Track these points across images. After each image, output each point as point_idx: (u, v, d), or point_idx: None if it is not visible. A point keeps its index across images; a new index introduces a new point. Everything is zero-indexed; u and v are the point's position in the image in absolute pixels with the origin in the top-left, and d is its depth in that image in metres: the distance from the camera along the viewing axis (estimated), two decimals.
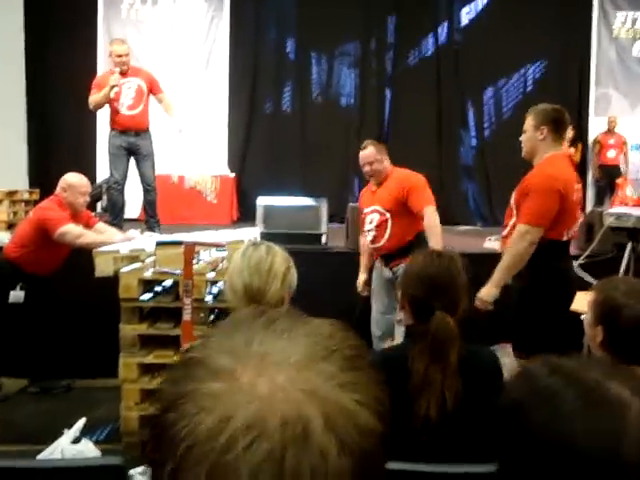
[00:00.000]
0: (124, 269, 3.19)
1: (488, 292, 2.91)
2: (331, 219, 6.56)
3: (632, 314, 1.59)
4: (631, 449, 0.62)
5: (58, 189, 4.01)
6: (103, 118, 7.79)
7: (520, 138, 3.11)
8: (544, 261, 2.85)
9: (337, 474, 0.43)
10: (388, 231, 3.71)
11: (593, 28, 8.97)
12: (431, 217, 3.63)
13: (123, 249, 3.28)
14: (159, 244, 3.07)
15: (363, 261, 4.08)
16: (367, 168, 3.85)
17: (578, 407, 0.65)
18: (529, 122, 3.03)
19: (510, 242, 2.91)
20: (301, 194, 6.59)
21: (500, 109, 8.94)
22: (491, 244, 5.04)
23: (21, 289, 3.90)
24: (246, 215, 7.58)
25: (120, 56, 5.21)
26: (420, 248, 3.89)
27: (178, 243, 2.95)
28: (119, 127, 5.30)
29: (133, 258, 3.30)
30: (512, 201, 3.03)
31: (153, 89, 5.44)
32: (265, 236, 4.07)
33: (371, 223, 3.80)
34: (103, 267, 3.15)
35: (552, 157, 2.92)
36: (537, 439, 0.66)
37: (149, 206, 5.53)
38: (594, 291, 1.75)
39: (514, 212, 2.96)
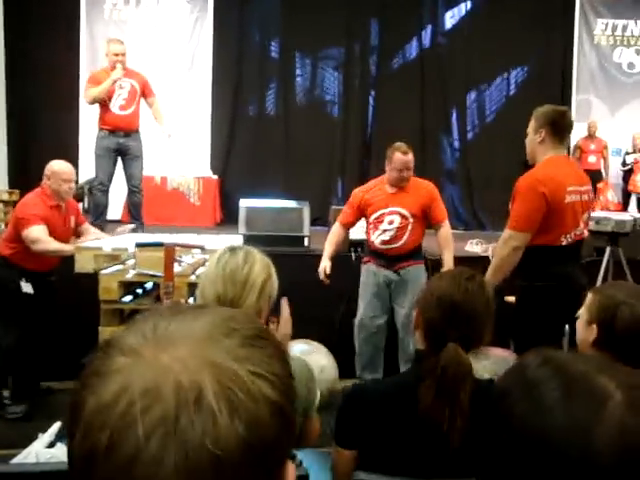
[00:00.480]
0: (105, 271, 3.15)
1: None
2: (314, 222, 6.56)
3: (628, 312, 1.61)
4: (603, 441, 0.61)
5: (43, 177, 3.91)
6: (85, 117, 7.76)
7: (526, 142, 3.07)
8: (537, 266, 2.82)
9: (228, 437, 0.47)
10: (407, 234, 3.87)
11: (575, 34, 9.09)
12: (449, 230, 4.05)
13: (106, 247, 3.24)
14: (139, 245, 3.04)
15: (329, 249, 4.02)
16: (405, 173, 3.87)
17: (558, 398, 0.65)
18: (530, 124, 2.98)
19: (496, 247, 2.96)
20: (284, 197, 6.58)
21: (483, 113, 9.01)
22: (473, 248, 5.07)
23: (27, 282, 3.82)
24: (229, 217, 7.55)
25: (117, 55, 5.21)
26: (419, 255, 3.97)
27: (158, 245, 2.93)
28: (109, 127, 5.26)
29: (114, 257, 3.27)
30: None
31: (146, 92, 5.45)
32: (248, 238, 4.05)
33: (391, 224, 3.87)
34: (83, 263, 3.11)
35: (548, 160, 2.86)
36: (516, 430, 0.66)
37: (134, 208, 5.48)
38: (592, 292, 1.77)
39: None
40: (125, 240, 3.53)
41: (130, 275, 3.14)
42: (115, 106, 5.24)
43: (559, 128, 2.89)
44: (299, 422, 1.46)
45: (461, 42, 8.81)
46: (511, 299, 3.27)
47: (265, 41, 8.65)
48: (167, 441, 0.45)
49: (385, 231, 3.89)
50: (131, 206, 5.51)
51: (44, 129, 7.99)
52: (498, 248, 2.93)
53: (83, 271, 3.14)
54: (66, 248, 3.68)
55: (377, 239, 3.91)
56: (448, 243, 3.96)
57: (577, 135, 8.92)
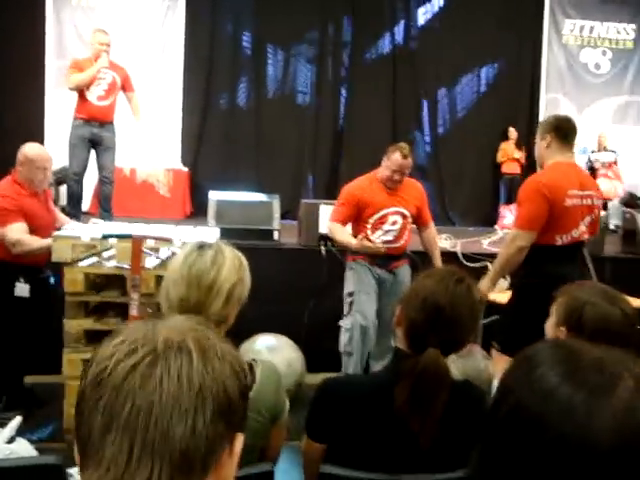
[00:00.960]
0: (82, 262, 3.08)
1: (484, 284, 3.13)
2: (285, 216, 6.55)
3: (593, 311, 1.65)
4: (607, 425, 0.59)
5: (17, 163, 3.57)
6: (52, 105, 7.62)
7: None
8: (531, 265, 2.96)
9: (200, 379, 0.61)
10: (406, 234, 3.90)
11: (544, 34, 9.22)
12: (434, 230, 4.12)
13: (84, 236, 3.16)
14: (106, 236, 3.00)
15: (348, 234, 3.84)
16: (397, 176, 3.80)
17: (567, 386, 0.62)
18: (537, 135, 3.13)
19: (502, 247, 3.17)
20: (255, 190, 6.55)
21: (454, 110, 9.09)
22: (442, 243, 5.12)
23: (25, 282, 3.52)
24: (199, 210, 7.49)
25: (102, 44, 5.25)
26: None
27: (126, 236, 2.89)
28: (85, 116, 5.24)
29: (92, 247, 3.21)
30: None
31: (126, 86, 5.46)
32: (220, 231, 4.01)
33: (395, 225, 3.82)
34: (61, 253, 3.04)
35: (552, 164, 3.01)
36: (529, 422, 0.62)
37: (105, 199, 5.43)
38: (559, 294, 1.80)
39: None
40: (94, 231, 3.47)
41: (95, 267, 3.10)
42: (93, 96, 5.24)
43: (564, 132, 3.04)
44: (267, 428, 1.44)
45: (433, 38, 8.86)
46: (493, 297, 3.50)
47: (237, 33, 8.57)
48: (153, 369, 0.61)
49: (388, 231, 3.82)
50: (102, 197, 5.45)
51: (8, 119, 7.80)
52: (504, 247, 3.09)
53: (60, 260, 3.07)
54: (50, 243, 3.34)
55: (378, 239, 3.76)
56: (437, 243, 4.13)
57: None
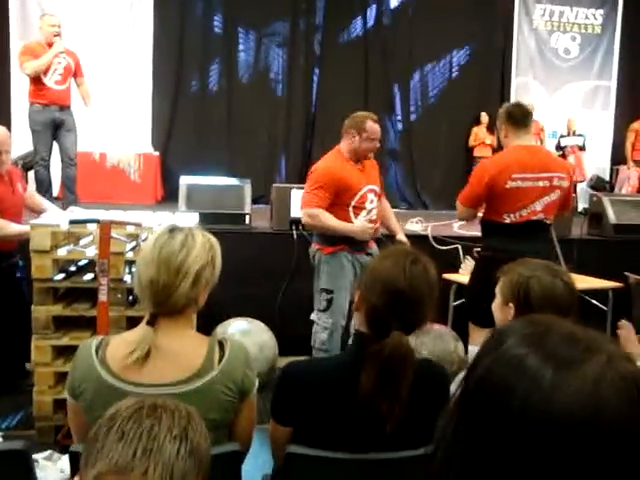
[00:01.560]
0: (60, 250, 3.03)
1: None
2: (257, 200, 6.53)
3: (538, 284, 1.70)
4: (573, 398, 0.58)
5: None
6: (18, 90, 7.44)
7: None
8: (486, 239, 3.34)
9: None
10: (378, 211, 3.65)
11: (515, 19, 9.28)
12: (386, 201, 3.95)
13: (63, 224, 3.11)
14: (73, 222, 2.96)
15: (340, 222, 3.47)
16: (377, 143, 3.56)
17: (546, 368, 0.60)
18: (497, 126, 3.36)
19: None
20: (227, 174, 6.51)
21: (426, 94, 9.12)
22: (413, 226, 5.16)
23: None
24: (171, 195, 7.42)
25: (54, 26, 5.27)
26: None
27: (94, 221, 2.86)
28: (44, 100, 5.26)
29: (72, 235, 3.16)
30: None
31: (77, 72, 5.51)
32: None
33: (372, 203, 3.55)
34: (39, 241, 2.99)
35: (508, 149, 3.24)
36: (513, 408, 0.60)
37: (69, 181, 5.46)
38: (502, 274, 1.84)
39: None
40: (61, 217, 3.41)
41: (63, 252, 3.06)
42: (51, 80, 5.26)
43: (515, 119, 3.19)
44: (235, 403, 1.47)
45: (405, 22, 8.86)
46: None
47: (208, 15, 8.46)
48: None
49: (370, 211, 3.54)
50: (67, 180, 5.46)
51: None
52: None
53: (39, 249, 3.02)
54: (27, 229, 3.24)
55: (364, 220, 3.50)
56: (392, 213, 3.91)
57: None
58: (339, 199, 3.42)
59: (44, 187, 5.35)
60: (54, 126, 5.31)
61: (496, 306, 1.83)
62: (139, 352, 1.39)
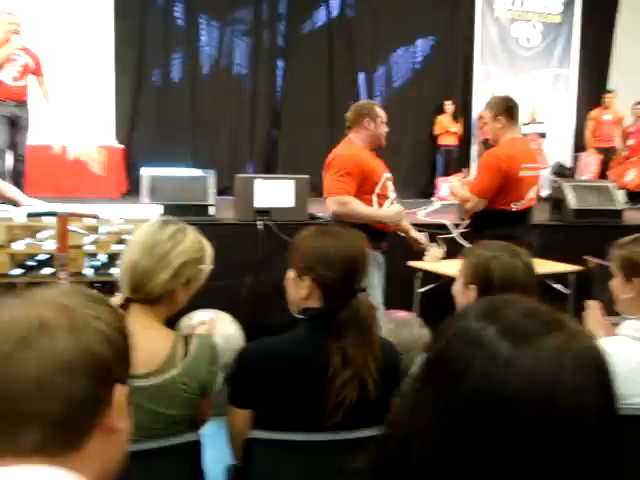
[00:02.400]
0: (15, 244, 2.96)
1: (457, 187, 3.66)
2: (223, 191, 6.48)
3: (499, 264, 1.72)
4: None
5: None
6: None
7: (485, 129, 3.73)
8: (494, 227, 3.26)
9: (65, 349, 0.67)
10: None
11: (477, 8, 9.35)
12: None
13: (18, 218, 3.03)
14: (31, 215, 2.89)
15: (370, 207, 3.27)
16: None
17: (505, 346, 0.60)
18: (487, 114, 3.46)
19: (462, 194, 3.49)
20: (193, 166, 6.44)
21: (390, 82, 9.15)
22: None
23: None
24: (136, 188, 7.28)
25: (12, 24, 5.39)
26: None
27: (52, 214, 2.80)
28: (1, 96, 5.38)
29: (29, 228, 3.09)
30: None
31: (37, 71, 5.63)
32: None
33: (393, 191, 3.40)
34: None
35: (509, 140, 3.39)
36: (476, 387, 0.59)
37: (18, 177, 5.57)
38: (463, 256, 1.86)
39: None
40: (17, 211, 3.33)
41: (21, 247, 2.99)
42: (8, 77, 5.39)
43: (512, 112, 3.41)
44: (196, 401, 1.46)
45: (368, 11, 8.85)
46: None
47: (169, 4, 8.33)
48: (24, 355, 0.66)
49: (393, 200, 3.36)
50: (17, 175, 5.58)
51: None
52: (461, 195, 3.51)
53: None
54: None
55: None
56: None
57: (480, 105, 9.26)
58: (363, 187, 3.19)
59: None
60: (11, 121, 5.44)
61: (457, 289, 1.84)
62: None
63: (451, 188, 3.89)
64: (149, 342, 1.43)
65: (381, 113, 3.49)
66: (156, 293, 1.44)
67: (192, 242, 1.52)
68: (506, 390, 0.57)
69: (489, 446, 0.57)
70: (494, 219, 3.35)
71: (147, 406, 1.36)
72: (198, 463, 1.39)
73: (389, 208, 3.28)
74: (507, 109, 3.38)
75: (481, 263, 1.75)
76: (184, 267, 1.47)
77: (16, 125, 5.48)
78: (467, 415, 0.58)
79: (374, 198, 3.23)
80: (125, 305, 1.44)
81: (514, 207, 3.36)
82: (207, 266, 1.58)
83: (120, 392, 0.73)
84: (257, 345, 1.58)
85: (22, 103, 5.50)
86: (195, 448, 1.35)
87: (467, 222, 4.72)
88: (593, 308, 1.96)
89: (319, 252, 1.58)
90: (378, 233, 3.20)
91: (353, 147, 3.33)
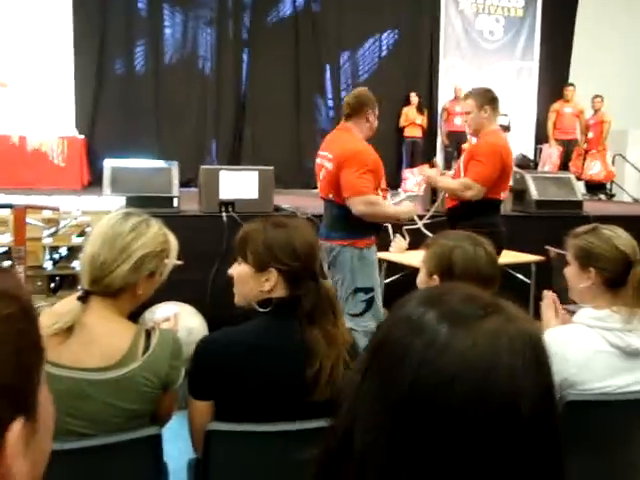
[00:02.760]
0: None
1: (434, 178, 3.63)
2: (188, 183, 6.41)
3: (461, 254, 1.74)
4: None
5: None
6: None
7: (465, 118, 3.61)
8: (487, 216, 3.31)
9: None
10: None
11: (442, 1, 9.42)
12: None
13: None
14: None
15: (394, 207, 3.29)
16: None
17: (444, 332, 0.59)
18: (471, 104, 3.40)
19: (453, 184, 3.41)
20: (157, 158, 6.35)
21: (356, 74, 9.16)
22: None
23: None
24: (98, 179, 7.15)
25: None
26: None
27: (7, 206, 2.73)
28: None
29: None
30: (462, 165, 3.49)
31: None
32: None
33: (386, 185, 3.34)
34: None
35: (496, 131, 3.49)
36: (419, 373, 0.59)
37: None
38: (425, 247, 1.87)
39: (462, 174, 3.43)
40: None
41: None
42: None
43: (496, 103, 3.43)
44: (157, 395, 1.44)
45: (334, 3, 8.84)
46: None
47: None
48: None
49: (392, 194, 3.31)
50: None
51: None
52: (454, 184, 3.39)
53: None
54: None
55: (393, 203, 3.30)
56: None
57: (445, 98, 9.34)
58: (374, 182, 3.09)
59: None
60: None
61: (420, 280, 1.84)
62: (60, 324, 1.35)
63: (430, 179, 3.75)
64: (109, 335, 1.41)
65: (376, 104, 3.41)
66: (116, 286, 1.42)
67: (155, 234, 1.49)
68: (443, 374, 0.57)
69: (428, 433, 0.57)
70: (484, 207, 3.33)
71: (106, 400, 1.35)
72: (159, 457, 1.38)
73: (403, 205, 3.27)
74: (492, 99, 3.39)
75: (443, 253, 1.76)
76: (146, 260, 1.45)
77: None
78: (406, 402, 0.58)
79: (379, 193, 3.13)
80: (85, 298, 1.41)
81: (503, 196, 3.46)
82: (172, 259, 1.55)
83: (17, 428, 0.51)
84: (215, 336, 1.57)
85: None
86: (156, 442, 1.34)
87: (431, 213, 4.78)
88: (549, 297, 1.99)
89: (283, 243, 1.57)
90: (380, 226, 3.26)
91: (361, 140, 3.19)
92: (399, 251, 4.30)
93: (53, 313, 1.39)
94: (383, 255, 4.29)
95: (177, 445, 1.85)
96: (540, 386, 0.59)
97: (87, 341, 1.37)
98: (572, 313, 1.81)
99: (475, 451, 0.56)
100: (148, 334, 1.45)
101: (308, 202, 5.66)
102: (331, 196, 3.13)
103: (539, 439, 0.58)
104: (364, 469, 0.60)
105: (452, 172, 3.94)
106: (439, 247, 1.79)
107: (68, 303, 1.42)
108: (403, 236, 4.27)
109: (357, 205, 3.01)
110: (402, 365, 0.59)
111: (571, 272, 1.80)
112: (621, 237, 1.72)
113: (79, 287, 1.52)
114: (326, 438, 0.66)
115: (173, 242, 1.56)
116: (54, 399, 1.24)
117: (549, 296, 1.99)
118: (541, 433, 0.58)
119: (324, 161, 3.16)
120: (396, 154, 9.18)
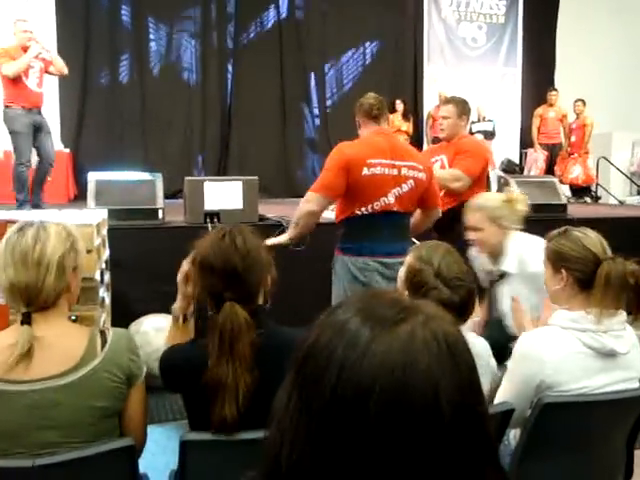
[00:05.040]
0: None
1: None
2: (175, 195, 6.41)
3: (425, 274, 1.73)
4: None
5: None
6: None
7: (441, 122, 3.66)
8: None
9: None
10: None
11: (424, 8, 9.50)
12: None
13: None
14: None
15: None
16: None
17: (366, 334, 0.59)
18: (452, 110, 3.55)
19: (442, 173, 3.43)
20: (144, 170, 6.34)
21: (341, 83, 9.21)
22: (328, 214, 5.19)
23: None
24: (84, 193, 7.15)
25: (25, 31, 5.44)
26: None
27: None
28: (27, 104, 5.37)
29: None
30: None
31: (47, 67, 5.61)
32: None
33: None
34: None
35: (471, 136, 3.85)
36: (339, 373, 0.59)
37: (42, 183, 5.69)
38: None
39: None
40: None
41: None
42: (33, 83, 5.42)
43: (469, 117, 3.76)
44: (123, 391, 1.46)
45: (318, 12, 8.90)
46: None
47: (115, 6, 8.19)
48: None
49: None
50: (40, 181, 5.65)
51: None
52: (445, 175, 3.45)
53: None
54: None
55: None
56: None
57: (429, 104, 9.41)
58: None
59: (24, 188, 5.49)
60: (35, 129, 5.42)
61: (399, 285, 1.85)
62: (20, 351, 1.34)
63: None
64: (65, 340, 1.42)
65: None
66: (52, 298, 1.41)
67: (57, 233, 1.45)
68: (362, 378, 0.57)
69: (352, 438, 0.57)
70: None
71: (76, 402, 1.36)
72: (134, 469, 1.38)
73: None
74: (469, 111, 3.67)
75: (413, 271, 1.76)
76: (63, 260, 1.43)
77: (41, 131, 5.47)
78: (329, 407, 0.58)
79: None
80: (27, 320, 1.39)
81: None
82: (83, 246, 1.55)
83: None
84: (175, 350, 1.58)
85: (40, 110, 5.54)
86: (129, 453, 1.34)
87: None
88: (518, 302, 2.02)
89: (196, 259, 1.60)
90: None
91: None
92: None
93: (1, 346, 1.37)
94: None
95: (163, 458, 1.85)
96: (458, 383, 0.58)
97: (46, 353, 1.38)
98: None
99: (399, 451, 0.56)
100: (102, 333, 1.47)
101: (294, 211, 5.66)
102: (412, 208, 2.95)
103: (463, 436, 0.58)
104: None
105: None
106: (409, 264, 1.79)
107: (12, 331, 1.41)
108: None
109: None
110: (326, 371, 0.59)
111: (546, 275, 1.82)
112: (590, 237, 1.74)
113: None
114: (261, 457, 0.64)
115: (73, 230, 1.52)
116: (25, 416, 1.26)
117: (517, 300, 2.02)
118: (465, 430, 0.58)
119: (415, 172, 2.87)
120: None
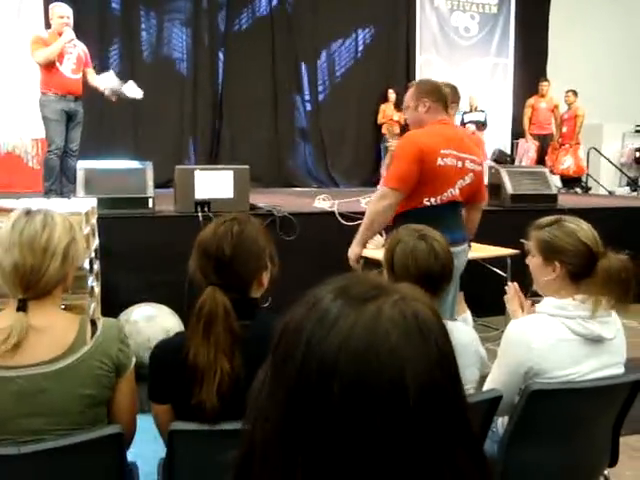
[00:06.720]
0: None
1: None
2: (166, 184, 6.38)
3: (401, 249, 1.76)
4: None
5: None
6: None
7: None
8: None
9: None
10: None
11: None
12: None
13: None
14: None
15: None
16: None
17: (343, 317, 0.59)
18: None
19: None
20: (135, 159, 6.30)
21: (333, 72, 9.17)
22: (320, 203, 5.20)
23: None
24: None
25: (62, 17, 5.31)
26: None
27: None
28: (60, 90, 5.27)
29: None
30: None
31: (87, 62, 5.57)
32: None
33: None
34: None
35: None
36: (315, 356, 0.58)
37: (70, 172, 5.41)
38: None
39: None
40: None
41: None
42: (67, 69, 5.31)
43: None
44: (112, 380, 1.46)
45: (309, 1, 8.84)
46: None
47: None
48: None
49: None
50: (67, 170, 5.43)
51: None
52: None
53: None
54: None
55: None
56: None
57: None
58: None
59: (55, 176, 5.34)
60: (68, 116, 5.32)
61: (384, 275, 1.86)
62: (15, 339, 1.34)
63: None
64: (56, 327, 1.42)
65: None
66: (53, 284, 1.43)
67: (63, 223, 1.48)
68: (326, 354, 0.56)
69: (317, 422, 0.56)
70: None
71: (63, 389, 1.36)
72: (123, 457, 1.38)
73: None
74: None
75: (390, 249, 1.79)
76: (68, 249, 1.45)
77: (73, 120, 5.35)
78: (297, 383, 0.57)
79: None
80: (23, 306, 1.39)
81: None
82: (81, 239, 1.57)
83: None
84: (169, 340, 1.57)
85: (79, 97, 5.39)
86: (118, 441, 1.33)
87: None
88: (512, 290, 2.02)
89: (199, 241, 1.62)
90: None
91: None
92: (376, 247, 4.31)
93: None
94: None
95: (152, 446, 1.85)
96: (425, 360, 0.57)
97: (37, 339, 1.38)
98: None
99: (363, 432, 0.55)
100: (93, 322, 1.48)
101: (285, 201, 5.67)
102: (469, 200, 2.93)
103: (431, 418, 0.56)
104: (265, 464, 0.58)
105: None
106: (390, 239, 1.82)
107: (6, 317, 1.40)
108: (380, 233, 4.29)
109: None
110: (295, 349, 0.58)
111: (535, 264, 1.82)
112: (584, 229, 1.74)
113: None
114: (240, 441, 0.64)
115: (75, 224, 1.56)
116: (12, 402, 1.25)
117: (512, 288, 2.02)
118: (433, 412, 0.57)
119: (474, 165, 2.82)
120: (374, 151, 9.21)
